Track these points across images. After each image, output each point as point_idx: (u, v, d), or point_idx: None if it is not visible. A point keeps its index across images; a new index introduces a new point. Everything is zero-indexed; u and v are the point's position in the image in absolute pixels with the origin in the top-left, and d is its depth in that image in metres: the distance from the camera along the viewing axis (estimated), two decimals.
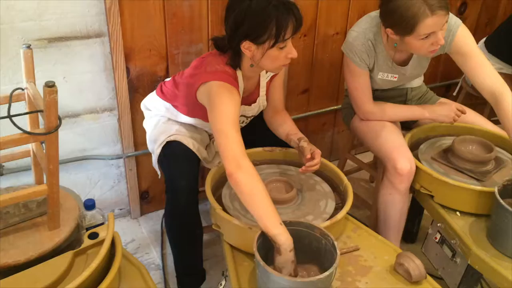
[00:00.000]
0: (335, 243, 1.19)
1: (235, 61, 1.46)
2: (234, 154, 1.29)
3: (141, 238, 2.10)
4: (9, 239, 1.18)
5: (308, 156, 1.48)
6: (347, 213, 1.43)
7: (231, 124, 1.33)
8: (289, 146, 1.62)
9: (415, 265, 1.28)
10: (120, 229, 2.11)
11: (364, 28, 1.67)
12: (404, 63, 1.75)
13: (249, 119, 1.69)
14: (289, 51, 1.40)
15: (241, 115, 1.63)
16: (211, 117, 1.39)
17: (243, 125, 1.70)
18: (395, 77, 1.75)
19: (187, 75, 1.56)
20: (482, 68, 1.64)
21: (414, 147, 1.81)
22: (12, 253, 1.14)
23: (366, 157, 2.50)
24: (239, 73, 1.50)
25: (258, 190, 1.25)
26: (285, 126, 1.63)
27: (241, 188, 1.26)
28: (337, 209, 1.48)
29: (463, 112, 1.73)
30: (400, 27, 1.51)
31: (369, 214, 2.13)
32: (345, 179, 1.54)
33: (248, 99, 1.62)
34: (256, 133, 1.74)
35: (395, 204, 1.72)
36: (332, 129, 2.62)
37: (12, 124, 1.05)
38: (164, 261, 1.97)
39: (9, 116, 1.07)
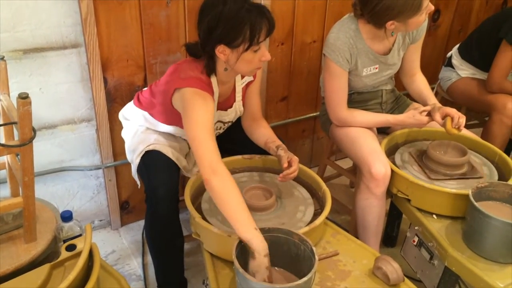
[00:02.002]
0: (314, 248, 1.21)
1: (210, 65, 1.48)
2: (209, 161, 1.32)
3: (121, 249, 2.08)
4: None
5: (285, 165, 1.50)
6: (327, 218, 1.45)
7: (205, 131, 1.36)
8: (269, 153, 1.64)
9: (392, 268, 1.30)
10: (100, 240, 2.08)
11: (343, 28, 1.72)
12: (384, 53, 1.80)
13: (226, 125, 1.69)
14: (263, 54, 1.43)
15: (218, 121, 1.64)
16: (185, 124, 1.41)
17: (221, 131, 1.71)
18: (376, 68, 1.80)
19: (162, 83, 1.56)
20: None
21: (391, 152, 1.84)
22: None
23: (346, 163, 2.52)
24: (213, 79, 1.51)
25: (232, 195, 1.28)
26: (263, 133, 1.65)
27: (215, 194, 1.30)
28: (316, 214, 1.49)
29: (429, 115, 1.76)
30: (405, 12, 1.58)
31: (349, 219, 2.15)
32: (323, 185, 1.56)
33: (223, 104, 1.62)
34: (235, 141, 1.75)
35: (372, 208, 1.75)
36: (312, 135, 2.65)
37: None
38: (145, 272, 1.95)
39: None
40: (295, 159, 1.51)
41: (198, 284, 1.83)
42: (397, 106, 2.02)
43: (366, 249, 1.46)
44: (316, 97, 2.50)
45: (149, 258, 2.02)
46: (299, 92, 2.44)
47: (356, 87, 1.85)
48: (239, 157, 1.70)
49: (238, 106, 1.67)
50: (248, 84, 1.66)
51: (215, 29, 1.37)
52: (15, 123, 1.09)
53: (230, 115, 1.66)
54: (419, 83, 1.91)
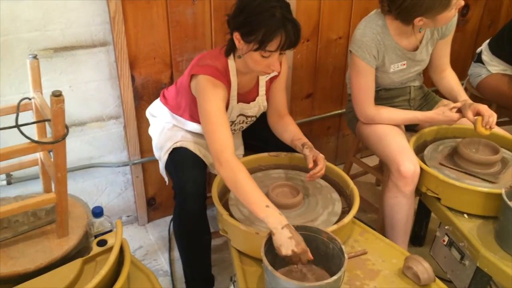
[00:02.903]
0: (343, 247, 1.20)
1: (230, 46, 1.48)
2: (215, 151, 1.38)
3: (148, 244, 2.11)
4: (19, 248, 1.20)
5: (311, 165, 1.49)
6: (354, 217, 1.44)
7: (214, 120, 1.41)
8: (295, 151, 1.63)
9: (423, 268, 1.28)
10: (128, 236, 2.11)
11: (370, 24, 1.69)
12: (412, 49, 1.77)
13: (249, 119, 1.69)
14: (272, 63, 1.41)
15: (240, 114, 1.63)
16: (199, 112, 1.47)
17: (244, 125, 1.70)
18: (403, 64, 1.77)
19: (185, 74, 1.58)
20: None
21: (420, 150, 1.81)
22: (21, 261, 1.15)
23: (372, 161, 2.49)
24: (231, 63, 1.51)
25: (240, 180, 1.32)
26: (289, 130, 1.64)
27: (226, 183, 1.37)
28: (344, 213, 1.48)
29: (459, 112, 1.72)
30: (434, 8, 1.55)
31: (376, 218, 2.13)
32: (351, 183, 1.54)
33: (246, 96, 1.62)
34: (261, 138, 1.75)
35: (401, 207, 1.72)
36: (337, 133, 2.63)
37: (20, 133, 1.07)
38: (172, 267, 1.97)
39: (17, 126, 1.09)
40: (321, 157, 1.50)
41: (225, 280, 1.84)
42: (426, 103, 1.98)
43: (395, 248, 1.44)
44: (341, 94, 2.48)
45: (175, 254, 2.04)
46: (325, 89, 2.42)
47: (384, 83, 1.83)
48: (265, 154, 1.69)
49: (261, 100, 1.66)
50: (272, 79, 1.65)
51: (238, 16, 1.38)
52: (48, 120, 1.11)
53: (253, 109, 1.65)
54: (450, 79, 1.87)
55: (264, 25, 1.33)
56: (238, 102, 1.59)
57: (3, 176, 1.81)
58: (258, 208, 1.26)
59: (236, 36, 1.40)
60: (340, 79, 2.43)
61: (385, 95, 1.89)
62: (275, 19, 1.32)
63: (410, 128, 1.94)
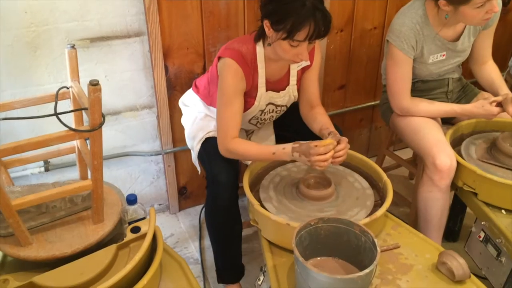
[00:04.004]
0: (375, 240, 1.18)
1: (260, 32, 1.48)
2: (220, 138, 1.51)
3: (179, 232, 2.14)
4: (56, 232, 1.23)
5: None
6: (387, 210, 1.41)
7: (225, 107, 1.50)
8: None
9: (458, 264, 1.25)
10: (159, 224, 2.12)
11: (409, 13, 1.65)
12: (453, 39, 1.72)
13: (279, 108, 1.67)
14: (300, 52, 1.39)
15: (270, 103, 1.62)
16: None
17: (274, 114, 1.69)
18: (443, 55, 1.72)
19: (214, 61, 1.59)
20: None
21: (456, 143, 1.76)
22: (59, 246, 1.19)
23: (405, 154, 2.44)
24: (260, 49, 1.50)
25: (244, 154, 1.50)
26: (318, 121, 1.61)
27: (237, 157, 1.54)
28: (376, 206, 1.46)
29: (500, 106, 1.65)
30: None
31: (408, 212, 2.09)
32: (384, 175, 1.51)
33: (275, 85, 1.60)
34: (292, 128, 1.74)
35: (435, 201, 1.68)
36: (370, 125, 2.58)
37: (59, 121, 1.09)
38: (202, 256, 1.99)
39: (56, 114, 1.11)
40: (344, 138, 1.46)
41: (254, 270, 1.85)
42: (464, 95, 1.92)
43: (429, 243, 1.41)
44: (375, 85, 2.43)
45: (206, 243, 2.06)
46: (358, 80, 2.38)
47: (421, 75, 1.78)
48: None
49: (292, 90, 1.64)
50: (304, 69, 1.63)
51: (268, 4, 1.38)
52: (85, 109, 1.13)
53: (283, 98, 1.64)
54: (491, 71, 1.81)
55: (293, 14, 1.31)
56: (267, 90, 1.58)
57: (42, 163, 1.87)
58: (267, 158, 1.49)
59: (266, 23, 1.40)
60: (374, 70, 2.38)
61: (422, 87, 1.84)
62: (304, 9, 1.31)
63: (447, 121, 1.89)
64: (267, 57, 1.51)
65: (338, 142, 1.45)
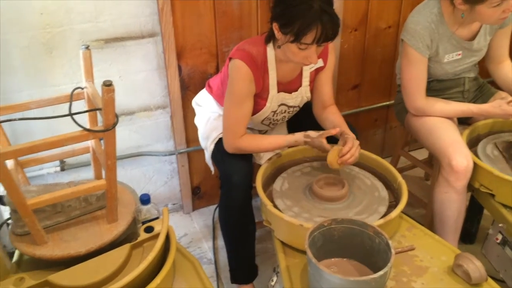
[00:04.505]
0: (389, 242, 1.16)
1: (270, 33, 1.47)
2: (226, 140, 1.55)
3: (193, 232, 2.14)
4: (71, 231, 1.25)
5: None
6: (402, 211, 1.39)
7: (232, 108, 1.52)
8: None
9: (475, 266, 1.22)
10: (173, 224, 2.13)
11: (424, 12, 1.63)
12: (468, 38, 1.69)
13: (291, 109, 1.66)
14: (308, 55, 1.39)
15: (282, 104, 1.62)
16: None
17: (286, 115, 1.68)
18: (459, 54, 1.69)
19: (227, 61, 1.59)
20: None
21: (473, 144, 1.73)
22: (74, 245, 1.20)
23: (421, 154, 2.41)
24: (270, 51, 1.50)
25: (259, 141, 1.55)
26: (331, 121, 1.61)
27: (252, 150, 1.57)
28: (391, 207, 1.44)
29: None
30: None
31: (424, 213, 2.06)
32: (399, 176, 1.50)
33: (287, 86, 1.60)
34: (307, 128, 1.72)
35: (451, 203, 1.65)
36: (384, 125, 2.56)
37: (73, 121, 1.10)
38: (216, 256, 2.00)
39: (71, 114, 1.13)
40: (350, 137, 1.46)
41: (267, 270, 1.84)
42: (481, 95, 1.89)
43: (445, 245, 1.39)
44: (389, 85, 2.41)
45: (219, 243, 2.06)
46: (372, 80, 2.36)
47: (436, 74, 1.75)
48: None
49: (304, 91, 1.63)
50: (317, 70, 1.62)
51: (276, 6, 1.37)
52: (99, 109, 1.14)
53: (295, 100, 1.63)
54: (508, 71, 1.77)
55: (300, 17, 1.31)
56: (279, 92, 1.57)
57: (57, 162, 1.89)
58: (289, 142, 1.55)
59: (275, 26, 1.39)
60: (389, 70, 2.36)
61: (437, 86, 1.81)
62: (311, 12, 1.30)
63: (463, 121, 1.86)
64: (278, 58, 1.51)
65: (345, 142, 1.44)
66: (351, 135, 1.48)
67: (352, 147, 1.44)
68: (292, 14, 1.32)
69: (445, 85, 1.82)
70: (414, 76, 1.68)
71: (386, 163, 1.58)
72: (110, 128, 1.10)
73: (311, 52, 1.37)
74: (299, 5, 1.31)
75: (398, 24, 2.23)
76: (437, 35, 1.63)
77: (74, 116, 1.11)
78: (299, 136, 1.53)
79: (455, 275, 1.27)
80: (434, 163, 1.95)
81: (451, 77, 1.80)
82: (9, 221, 1.28)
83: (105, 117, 1.09)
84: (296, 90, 1.62)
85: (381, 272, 1.07)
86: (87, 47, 1.30)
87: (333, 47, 1.61)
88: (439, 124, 1.69)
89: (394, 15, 2.21)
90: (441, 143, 1.64)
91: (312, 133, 1.51)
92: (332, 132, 1.50)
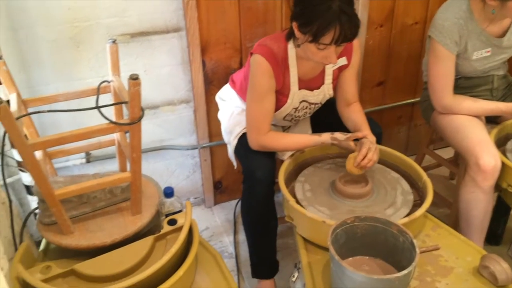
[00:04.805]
0: (414, 240, 1.15)
1: (290, 31, 1.46)
2: (250, 135, 1.54)
3: (214, 226, 2.16)
4: (97, 222, 1.27)
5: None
6: (426, 210, 1.37)
7: (254, 104, 1.52)
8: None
9: (501, 268, 1.20)
10: (195, 217, 2.13)
11: (453, 7, 1.60)
12: (498, 35, 1.65)
13: (313, 106, 1.66)
14: (327, 55, 1.38)
15: (303, 101, 1.61)
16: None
17: (308, 111, 1.67)
18: (488, 51, 1.65)
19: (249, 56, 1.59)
20: None
21: (501, 143, 1.69)
22: (99, 235, 1.22)
23: (446, 153, 2.37)
24: (291, 48, 1.49)
25: (285, 140, 1.55)
26: (352, 119, 1.60)
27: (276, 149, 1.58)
28: (415, 206, 1.42)
29: None
30: None
31: (448, 213, 2.02)
32: (424, 175, 1.47)
33: (309, 83, 1.59)
34: (329, 123, 1.72)
35: (478, 203, 1.62)
36: (409, 123, 2.52)
37: (100, 114, 1.12)
38: (236, 250, 2.00)
39: (98, 107, 1.14)
40: (366, 142, 1.44)
41: (288, 266, 1.84)
42: (510, 93, 1.85)
43: (471, 246, 1.36)
44: (415, 82, 2.37)
45: (240, 237, 2.07)
46: (397, 76, 2.33)
47: (464, 71, 1.72)
48: None
49: (327, 89, 1.62)
50: (341, 68, 1.60)
51: (296, 6, 1.37)
52: (125, 102, 1.15)
53: (317, 97, 1.62)
54: None
55: (319, 17, 1.30)
56: (300, 89, 1.57)
57: (83, 154, 1.92)
58: (315, 142, 1.54)
59: (294, 25, 1.39)
60: (415, 67, 2.32)
61: (465, 84, 1.78)
62: (330, 12, 1.29)
63: (491, 120, 1.82)
64: (299, 56, 1.50)
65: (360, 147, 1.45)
66: (367, 139, 1.46)
67: (368, 152, 1.42)
68: (310, 14, 1.31)
69: (473, 83, 1.78)
70: (441, 73, 1.65)
71: (411, 161, 1.56)
72: (136, 121, 1.11)
73: (330, 52, 1.37)
74: (318, 6, 1.30)
75: (425, 20, 2.19)
76: (466, 31, 1.59)
77: (101, 109, 1.13)
78: (326, 138, 1.52)
79: (480, 277, 1.25)
80: (460, 162, 1.91)
81: (480, 74, 1.76)
82: (37, 211, 1.31)
83: (131, 110, 1.10)
84: (318, 88, 1.60)
85: (405, 271, 1.06)
86: (114, 41, 1.31)
87: (358, 45, 1.59)
88: (467, 122, 1.66)
89: (421, 11, 2.17)
90: (469, 142, 1.60)
91: (339, 136, 1.50)
92: (359, 135, 1.49)
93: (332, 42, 1.32)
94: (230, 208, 2.26)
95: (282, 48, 1.49)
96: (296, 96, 1.57)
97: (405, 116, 2.48)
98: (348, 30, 1.31)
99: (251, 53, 1.52)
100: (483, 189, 1.58)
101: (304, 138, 1.55)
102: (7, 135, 1.07)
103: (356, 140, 1.51)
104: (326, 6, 1.29)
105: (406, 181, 1.53)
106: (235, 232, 2.10)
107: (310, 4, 1.32)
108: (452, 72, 1.65)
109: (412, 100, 2.41)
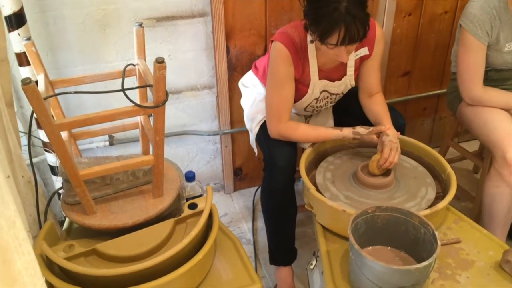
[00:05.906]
0: (436, 232, 1.13)
1: (305, 23, 1.45)
2: (270, 124, 1.54)
3: (233, 212, 2.17)
4: (119, 204, 1.29)
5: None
6: (449, 203, 1.35)
7: (274, 92, 1.52)
8: None
9: None
10: (214, 202, 2.18)
11: None
12: None
13: (334, 96, 1.64)
14: (338, 54, 1.38)
15: (324, 90, 1.59)
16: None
17: (329, 100, 1.65)
18: None
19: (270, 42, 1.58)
20: None
21: None
22: (121, 217, 1.24)
23: (470, 146, 2.32)
24: (309, 38, 1.48)
25: (306, 132, 1.54)
26: (373, 111, 1.58)
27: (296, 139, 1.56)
28: (438, 198, 1.40)
29: None
30: None
31: (471, 207, 1.99)
32: (448, 167, 1.45)
33: (330, 74, 1.57)
34: (351, 114, 1.70)
35: (502, 197, 1.59)
36: (433, 114, 2.47)
37: (125, 97, 1.13)
38: (255, 237, 2.02)
39: (123, 90, 1.15)
40: (387, 144, 1.43)
41: (306, 254, 1.84)
42: None
43: (493, 240, 1.34)
44: (442, 73, 2.32)
45: (258, 224, 2.08)
46: (424, 67, 2.28)
47: (495, 63, 1.67)
48: None
49: (349, 80, 1.60)
50: (362, 58, 1.58)
51: (306, 5, 1.37)
52: (150, 85, 1.16)
53: (338, 88, 1.60)
54: None
55: (325, 18, 1.29)
56: (320, 79, 1.55)
57: (106, 137, 1.95)
58: (336, 135, 1.53)
59: (306, 23, 1.39)
60: (442, 57, 2.27)
61: (495, 76, 1.73)
62: (336, 13, 1.27)
63: None
64: (317, 47, 1.49)
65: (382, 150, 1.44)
66: (388, 138, 1.45)
67: (389, 155, 1.42)
68: (317, 15, 1.32)
69: (504, 76, 1.73)
70: (471, 63, 1.61)
71: (435, 152, 1.53)
72: (160, 104, 1.12)
73: (340, 51, 1.36)
74: (325, 7, 1.29)
75: (456, 10, 2.14)
76: (498, 22, 1.54)
77: (126, 92, 1.14)
78: (347, 132, 1.51)
79: (502, 271, 1.23)
80: (485, 156, 1.87)
81: (511, 67, 1.70)
82: (61, 191, 1.34)
83: (156, 93, 1.11)
84: (339, 79, 1.59)
85: (425, 263, 1.05)
86: (141, 25, 1.32)
87: (381, 35, 1.56)
88: (494, 115, 1.62)
89: (451, 0, 2.12)
90: (496, 135, 1.57)
91: (361, 130, 1.49)
92: (382, 128, 1.48)
93: (338, 43, 1.32)
94: (249, 195, 2.27)
95: (302, 37, 1.48)
96: (316, 86, 1.56)
97: (430, 107, 2.44)
98: (354, 32, 1.30)
99: (271, 41, 1.51)
100: (508, 183, 1.55)
101: (325, 132, 1.54)
102: (34, 115, 1.09)
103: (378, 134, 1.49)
104: (333, 7, 1.28)
105: (430, 173, 1.51)
106: (254, 219, 2.11)
107: (318, 4, 1.32)
108: (482, 63, 1.61)
109: (438, 92, 2.37)
